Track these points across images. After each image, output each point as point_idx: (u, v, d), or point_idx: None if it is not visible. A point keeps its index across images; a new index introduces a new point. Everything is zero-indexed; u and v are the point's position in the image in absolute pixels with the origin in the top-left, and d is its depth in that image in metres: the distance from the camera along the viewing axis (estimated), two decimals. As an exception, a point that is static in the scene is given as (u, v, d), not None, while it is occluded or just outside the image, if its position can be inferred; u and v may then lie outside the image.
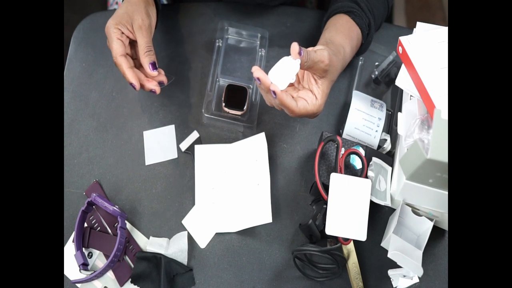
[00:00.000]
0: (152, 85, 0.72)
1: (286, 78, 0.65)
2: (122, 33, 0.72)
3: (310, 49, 0.66)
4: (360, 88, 0.83)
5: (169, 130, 0.81)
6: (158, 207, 0.77)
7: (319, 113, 0.69)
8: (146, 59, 0.72)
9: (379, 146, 0.78)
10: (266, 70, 0.83)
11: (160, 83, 0.73)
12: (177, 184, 0.78)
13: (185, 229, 0.76)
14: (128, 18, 0.73)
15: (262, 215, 0.73)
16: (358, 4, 0.77)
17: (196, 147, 0.80)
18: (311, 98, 0.67)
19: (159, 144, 0.80)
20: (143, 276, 0.72)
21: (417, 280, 0.73)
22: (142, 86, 0.72)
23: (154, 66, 0.72)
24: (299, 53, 0.63)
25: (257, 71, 0.64)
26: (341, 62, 0.71)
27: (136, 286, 0.72)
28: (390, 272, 0.74)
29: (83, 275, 0.72)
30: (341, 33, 0.75)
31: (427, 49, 0.70)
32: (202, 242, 0.75)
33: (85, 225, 0.75)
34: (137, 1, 0.75)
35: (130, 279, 0.72)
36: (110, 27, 0.72)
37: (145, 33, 0.72)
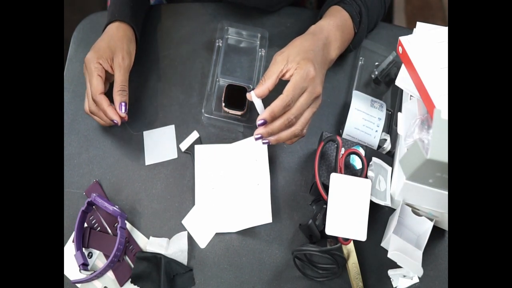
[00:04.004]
0: (115, 116, 0.73)
1: (260, 108, 0.70)
2: (103, 67, 0.74)
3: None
4: (360, 88, 0.83)
5: (169, 130, 0.81)
6: (158, 207, 0.77)
7: (312, 71, 0.67)
8: (118, 98, 0.74)
9: (379, 146, 0.78)
10: (265, 70, 0.83)
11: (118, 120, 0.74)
12: (177, 184, 0.78)
13: (185, 229, 0.76)
14: (110, 53, 0.75)
15: (262, 215, 0.73)
16: None
17: (196, 147, 0.80)
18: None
19: (159, 144, 0.80)
20: (143, 276, 0.72)
21: (417, 280, 0.73)
22: (105, 113, 0.74)
23: (124, 106, 0.74)
24: (248, 91, 0.70)
25: (257, 137, 0.69)
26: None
27: (136, 286, 0.72)
28: (390, 272, 0.74)
29: (83, 275, 0.72)
30: (324, 16, 0.77)
31: (427, 49, 0.70)
32: (202, 242, 0.75)
33: (85, 225, 0.75)
34: (120, 37, 0.77)
35: (130, 279, 0.72)
36: (91, 61, 0.74)
37: (123, 72, 0.75)
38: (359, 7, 0.78)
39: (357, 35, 0.79)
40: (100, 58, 0.74)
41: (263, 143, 0.70)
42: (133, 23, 0.79)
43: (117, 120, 0.73)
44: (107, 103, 0.73)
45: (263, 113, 0.67)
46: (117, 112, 0.73)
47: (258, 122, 0.67)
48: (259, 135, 0.68)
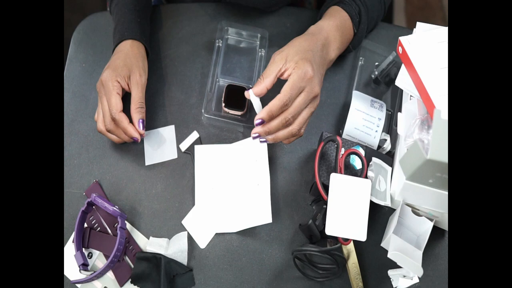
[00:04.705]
0: (136, 134, 0.74)
1: (258, 107, 0.71)
2: (120, 86, 0.74)
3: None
4: (360, 88, 0.83)
5: (169, 130, 0.81)
6: (158, 207, 0.77)
7: (310, 71, 0.67)
8: (136, 115, 0.75)
9: (379, 146, 0.78)
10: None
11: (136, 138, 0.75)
12: (177, 184, 0.78)
13: (185, 229, 0.76)
14: (127, 71, 0.76)
15: (262, 215, 0.73)
16: None
17: (196, 147, 0.80)
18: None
19: (159, 144, 0.80)
20: (143, 276, 0.72)
21: (417, 280, 0.73)
22: (125, 131, 0.74)
23: (142, 123, 0.75)
24: (247, 89, 0.70)
25: (255, 136, 0.70)
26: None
27: (136, 286, 0.72)
28: (390, 272, 0.74)
29: (83, 275, 0.72)
30: (323, 18, 0.77)
31: (427, 49, 0.70)
32: (202, 242, 0.75)
33: (85, 225, 0.75)
34: (135, 55, 0.78)
35: (130, 279, 0.72)
36: (109, 79, 0.74)
37: (140, 89, 0.76)
38: (358, 7, 0.78)
39: (356, 35, 0.79)
40: (118, 76, 0.74)
41: (261, 141, 0.70)
42: (144, 41, 0.80)
43: (137, 137, 0.74)
44: (127, 121, 0.74)
45: (260, 113, 0.67)
46: (136, 129, 0.74)
47: (256, 121, 0.68)
48: (257, 134, 0.69)
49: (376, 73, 0.84)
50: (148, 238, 0.75)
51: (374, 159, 0.73)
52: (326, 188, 0.71)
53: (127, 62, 0.76)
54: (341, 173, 0.70)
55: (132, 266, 0.73)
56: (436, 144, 0.56)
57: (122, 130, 0.74)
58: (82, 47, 0.87)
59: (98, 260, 0.74)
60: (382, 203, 0.71)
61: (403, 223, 0.74)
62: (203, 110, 0.80)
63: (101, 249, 0.74)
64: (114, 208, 0.72)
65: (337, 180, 0.69)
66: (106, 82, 0.74)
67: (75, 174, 0.78)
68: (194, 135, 0.81)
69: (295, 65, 0.67)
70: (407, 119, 0.70)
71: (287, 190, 0.78)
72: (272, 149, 0.80)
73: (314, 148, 0.81)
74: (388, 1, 0.85)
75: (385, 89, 0.84)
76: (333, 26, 0.75)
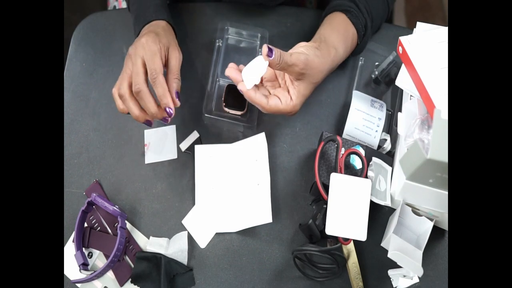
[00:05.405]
0: (172, 104, 0.68)
1: (252, 78, 0.67)
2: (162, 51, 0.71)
3: (288, 52, 0.68)
4: (360, 88, 0.83)
5: (170, 130, 0.81)
6: (158, 207, 0.77)
7: (294, 112, 0.71)
8: (174, 85, 0.69)
9: (379, 146, 0.78)
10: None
11: (165, 119, 0.70)
12: (177, 184, 0.78)
13: (185, 229, 0.76)
14: (167, 42, 0.72)
15: (262, 215, 0.73)
16: (356, 4, 0.78)
17: (196, 147, 0.80)
18: (285, 97, 0.70)
19: (159, 144, 0.80)
20: (143, 276, 0.72)
21: (417, 280, 0.73)
22: (163, 97, 0.68)
23: (178, 94, 0.69)
24: (268, 55, 0.64)
25: (228, 69, 0.69)
26: (329, 63, 0.73)
27: (136, 286, 0.72)
28: (390, 272, 0.74)
29: (83, 275, 0.72)
30: (336, 32, 0.76)
31: (427, 49, 0.70)
32: (202, 242, 0.75)
33: (85, 225, 0.75)
34: (172, 34, 0.76)
35: (130, 279, 0.72)
36: (153, 42, 0.69)
37: (179, 63, 0.72)
38: (365, 20, 0.78)
39: (358, 46, 0.80)
40: (161, 42, 0.70)
41: (226, 74, 0.71)
42: (173, 25, 0.78)
43: (172, 108, 0.67)
44: (166, 88, 0.67)
45: (245, 90, 0.68)
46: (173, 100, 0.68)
47: (239, 86, 0.68)
48: (229, 76, 0.70)
49: (376, 73, 0.84)
50: (148, 238, 0.75)
51: (374, 159, 0.73)
52: (326, 188, 0.71)
53: (167, 35, 0.73)
54: (341, 173, 0.70)
55: (132, 265, 0.73)
56: (436, 144, 0.56)
57: (160, 93, 0.67)
58: (82, 46, 0.87)
59: (98, 259, 0.74)
60: (382, 203, 0.71)
61: (403, 223, 0.74)
62: (203, 110, 0.80)
63: (101, 248, 0.74)
64: (114, 207, 0.72)
65: (337, 180, 0.69)
66: (149, 44, 0.68)
67: (75, 174, 0.79)
68: (194, 135, 0.81)
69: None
70: (407, 119, 0.70)
71: (287, 190, 0.78)
72: (272, 149, 0.80)
73: (314, 148, 0.81)
74: (392, 6, 0.85)
75: (385, 89, 0.84)
76: (346, 50, 0.77)
